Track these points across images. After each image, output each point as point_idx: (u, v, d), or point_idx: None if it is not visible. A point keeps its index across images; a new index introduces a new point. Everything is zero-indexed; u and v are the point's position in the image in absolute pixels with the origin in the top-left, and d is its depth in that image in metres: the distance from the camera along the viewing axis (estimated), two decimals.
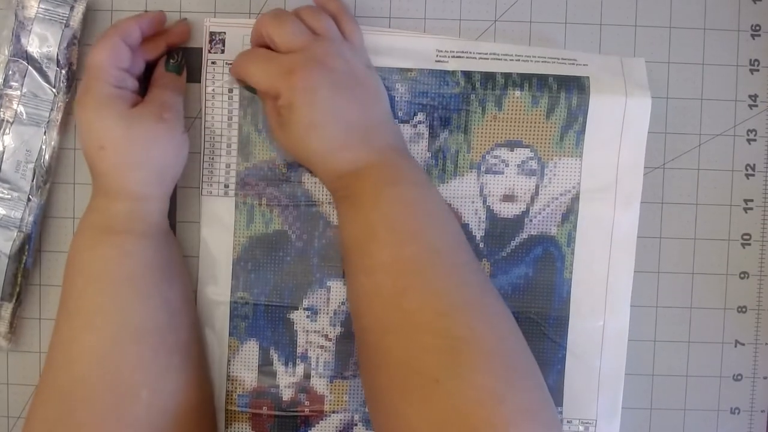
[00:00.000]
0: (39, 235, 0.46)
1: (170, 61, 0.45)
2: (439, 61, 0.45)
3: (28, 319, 0.46)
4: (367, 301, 0.39)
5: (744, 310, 0.47)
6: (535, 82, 0.44)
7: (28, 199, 0.45)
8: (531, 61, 0.45)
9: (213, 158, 0.45)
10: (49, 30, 0.44)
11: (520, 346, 0.38)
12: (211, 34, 0.45)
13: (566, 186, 0.45)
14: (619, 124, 0.44)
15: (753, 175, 0.47)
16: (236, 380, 0.45)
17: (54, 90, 0.45)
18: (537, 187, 0.45)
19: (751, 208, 0.47)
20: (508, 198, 0.45)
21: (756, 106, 0.47)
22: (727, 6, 0.47)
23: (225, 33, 0.45)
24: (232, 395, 0.45)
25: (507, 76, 0.44)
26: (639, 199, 0.45)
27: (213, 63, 0.45)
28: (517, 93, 0.44)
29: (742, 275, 0.47)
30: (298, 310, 0.45)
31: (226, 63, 0.45)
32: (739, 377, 0.47)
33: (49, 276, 0.46)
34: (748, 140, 0.47)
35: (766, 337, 0.48)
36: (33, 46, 0.44)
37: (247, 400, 0.45)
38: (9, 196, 0.45)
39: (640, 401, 0.47)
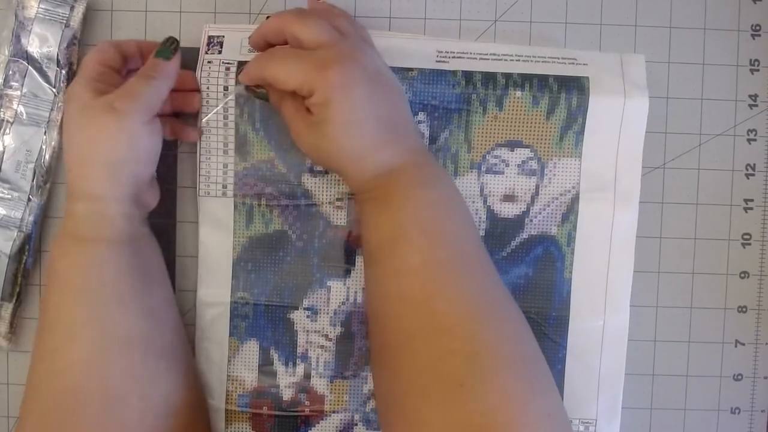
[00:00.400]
0: (39, 235, 0.46)
1: (162, 49, 0.42)
2: (439, 61, 0.45)
3: (28, 319, 0.46)
4: (393, 303, 0.38)
5: (744, 310, 0.47)
6: (536, 83, 0.44)
7: (29, 199, 0.45)
8: (531, 61, 0.45)
9: (209, 158, 0.45)
10: (49, 30, 0.44)
11: (537, 349, 0.38)
12: (210, 37, 0.45)
13: (566, 186, 0.45)
14: (618, 125, 0.44)
15: (753, 175, 0.47)
16: (236, 380, 0.45)
17: (54, 90, 0.45)
18: (537, 187, 0.45)
19: (751, 208, 0.47)
20: (509, 198, 0.45)
21: (756, 106, 0.47)
22: (727, 6, 0.47)
23: (223, 36, 0.45)
24: (232, 395, 0.45)
25: (508, 76, 0.44)
26: (638, 199, 0.45)
27: (209, 62, 0.44)
28: (518, 93, 0.44)
29: (743, 275, 0.47)
30: (298, 310, 0.45)
31: (222, 62, 0.44)
32: (740, 377, 0.47)
33: None
34: (748, 140, 0.47)
35: (766, 336, 0.48)
36: (33, 46, 0.44)
37: (247, 400, 0.45)
38: (9, 196, 0.45)
39: (640, 401, 0.47)
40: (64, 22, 0.44)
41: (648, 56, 0.46)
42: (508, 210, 0.45)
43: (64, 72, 0.45)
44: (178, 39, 0.42)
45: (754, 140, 0.47)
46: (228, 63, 0.44)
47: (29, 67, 0.44)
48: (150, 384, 0.39)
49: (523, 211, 0.45)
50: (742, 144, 0.47)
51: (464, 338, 0.36)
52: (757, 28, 0.47)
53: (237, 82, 0.44)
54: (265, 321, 0.45)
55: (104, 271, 0.39)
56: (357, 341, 0.45)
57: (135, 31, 0.46)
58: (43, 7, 0.44)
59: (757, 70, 0.47)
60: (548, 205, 0.45)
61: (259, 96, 0.43)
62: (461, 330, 0.36)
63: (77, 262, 0.39)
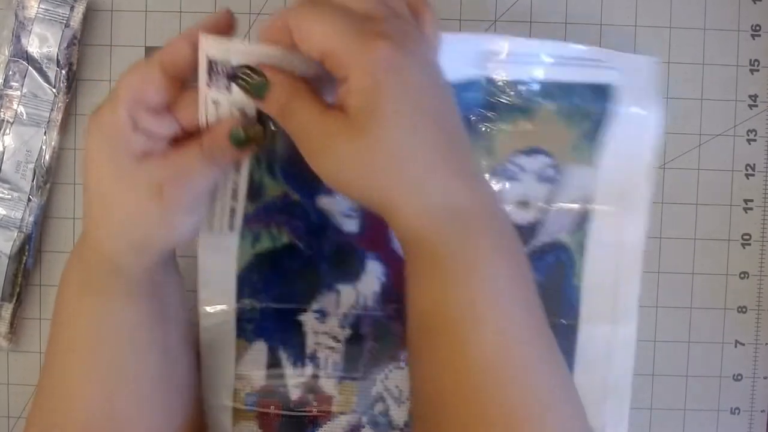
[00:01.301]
0: (39, 236, 0.46)
1: (240, 131, 0.32)
2: (476, 65, 0.42)
3: (28, 320, 0.46)
4: (454, 389, 0.31)
5: (744, 310, 0.47)
6: (564, 91, 0.43)
7: (29, 200, 0.45)
8: (562, 64, 0.43)
9: (214, 203, 0.38)
10: (49, 30, 0.44)
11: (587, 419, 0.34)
12: (211, 63, 0.32)
13: (580, 194, 0.44)
14: (637, 135, 0.43)
15: (753, 175, 0.47)
16: (244, 379, 0.45)
17: (54, 90, 0.45)
18: (551, 194, 0.44)
19: (751, 208, 0.47)
20: (522, 205, 0.44)
21: (756, 106, 0.47)
22: (727, 6, 0.47)
23: (231, 62, 0.32)
24: (239, 393, 0.45)
25: (537, 84, 0.43)
26: (648, 209, 0.44)
27: (215, 103, 0.33)
28: (544, 102, 0.43)
29: (742, 275, 0.47)
30: (307, 312, 0.45)
31: (237, 109, 0.33)
32: (739, 377, 0.47)
33: (49, 276, 0.46)
34: (748, 140, 0.47)
35: (766, 337, 0.48)
36: (33, 47, 0.44)
37: (254, 399, 0.45)
38: (9, 197, 0.45)
39: (640, 401, 0.47)
40: (64, 22, 0.44)
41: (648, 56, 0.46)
42: (522, 217, 0.44)
43: (64, 72, 0.45)
44: (263, 128, 0.33)
45: (754, 140, 0.47)
46: (242, 107, 0.34)
47: (29, 67, 0.44)
48: (159, 422, 0.37)
49: (536, 219, 0.44)
50: (742, 144, 0.47)
51: (535, 427, 0.31)
52: (757, 28, 0.47)
53: (233, 75, 0.32)
54: (273, 322, 0.44)
55: (119, 321, 0.35)
56: (366, 343, 0.45)
57: (135, 31, 0.46)
58: (43, 7, 0.44)
59: (757, 70, 0.47)
60: (561, 213, 0.44)
61: (253, 87, 0.31)
62: (535, 419, 0.31)
63: (88, 313, 0.36)
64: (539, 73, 0.43)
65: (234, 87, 0.32)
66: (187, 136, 0.34)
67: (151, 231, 0.33)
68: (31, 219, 0.45)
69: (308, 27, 0.29)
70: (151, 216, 0.33)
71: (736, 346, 0.47)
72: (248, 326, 0.44)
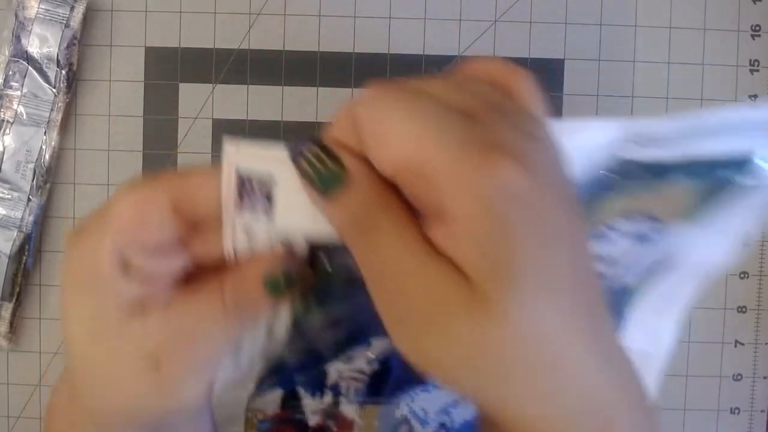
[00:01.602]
0: (39, 236, 0.46)
1: (281, 277, 0.24)
2: (599, 152, 0.34)
3: (28, 319, 0.47)
4: None
5: (744, 310, 0.47)
6: (697, 168, 0.35)
7: (29, 200, 0.45)
8: (695, 135, 0.34)
9: (239, 353, 0.31)
10: (49, 30, 0.44)
11: None
12: (242, 178, 0.23)
13: (669, 250, 0.37)
14: (748, 200, 0.36)
15: None
16: (257, 410, 0.39)
17: (54, 90, 0.45)
18: (642, 254, 0.37)
19: None
20: (606, 262, 0.37)
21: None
22: (727, 6, 0.47)
23: (273, 176, 0.23)
24: (251, 421, 0.41)
25: (669, 164, 0.35)
26: (711, 275, 0.38)
27: (248, 232, 0.24)
28: (674, 179, 0.35)
29: (742, 275, 0.47)
30: (334, 362, 0.39)
31: (277, 239, 0.24)
32: (739, 377, 0.47)
33: (49, 276, 0.46)
34: None
35: (766, 337, 0.48)
36: (33, 47, 0.44)
37: (268, 426, 0.41)
38: (9, 196, 0.45)
39: None
40: (64, 22, 0.44)
41: (648, 56, 0.46)
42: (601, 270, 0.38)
43: (64, 72, 0.45)
44: (314, 271, 0.25)
45: None
46: (288, 239, 0.24)
47: (29, 67, 0.44)
48: None
49: (615, 274, 0.38)
50: None
51: None
52: (757, 28, 0.47)
53: (299, 153, 0.23)
54: (293, 375, 0.39)
55: None
56: (393, 373, 0.42)
57: (135, 31, 0.46)
58: (43, 7, 0.44)
59: (757, 71, 0.47)
60: (641, 265, 0.38)
61: (320, 176, 0.21)
62: None
63: None
64: (671, 153, 0.34)
65: (276, 212, 0.23)
66: (200, 271, 0.24)
67: (148, 406, 0.24)
68: (31, 219, 0.45)
69: (384, 124, 0.20)
70: (146, 392, 0.24)
71: (735, 346, 0.47)
72: (263, 385, 0.38)
